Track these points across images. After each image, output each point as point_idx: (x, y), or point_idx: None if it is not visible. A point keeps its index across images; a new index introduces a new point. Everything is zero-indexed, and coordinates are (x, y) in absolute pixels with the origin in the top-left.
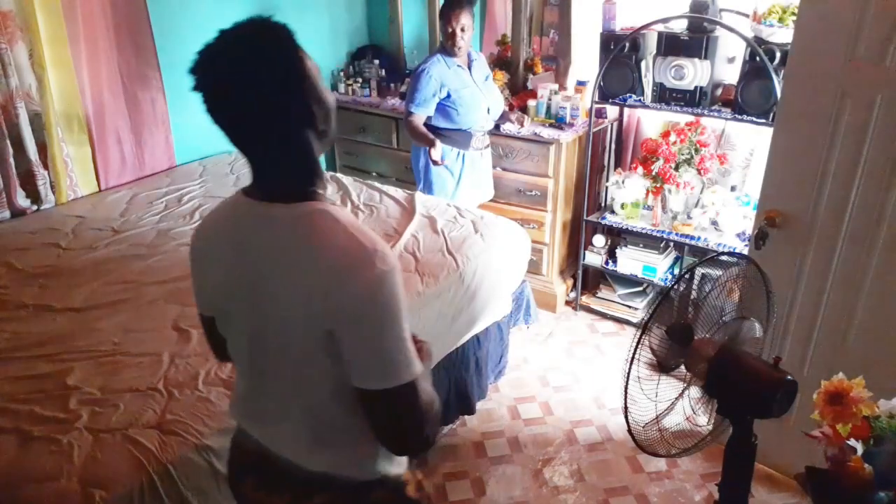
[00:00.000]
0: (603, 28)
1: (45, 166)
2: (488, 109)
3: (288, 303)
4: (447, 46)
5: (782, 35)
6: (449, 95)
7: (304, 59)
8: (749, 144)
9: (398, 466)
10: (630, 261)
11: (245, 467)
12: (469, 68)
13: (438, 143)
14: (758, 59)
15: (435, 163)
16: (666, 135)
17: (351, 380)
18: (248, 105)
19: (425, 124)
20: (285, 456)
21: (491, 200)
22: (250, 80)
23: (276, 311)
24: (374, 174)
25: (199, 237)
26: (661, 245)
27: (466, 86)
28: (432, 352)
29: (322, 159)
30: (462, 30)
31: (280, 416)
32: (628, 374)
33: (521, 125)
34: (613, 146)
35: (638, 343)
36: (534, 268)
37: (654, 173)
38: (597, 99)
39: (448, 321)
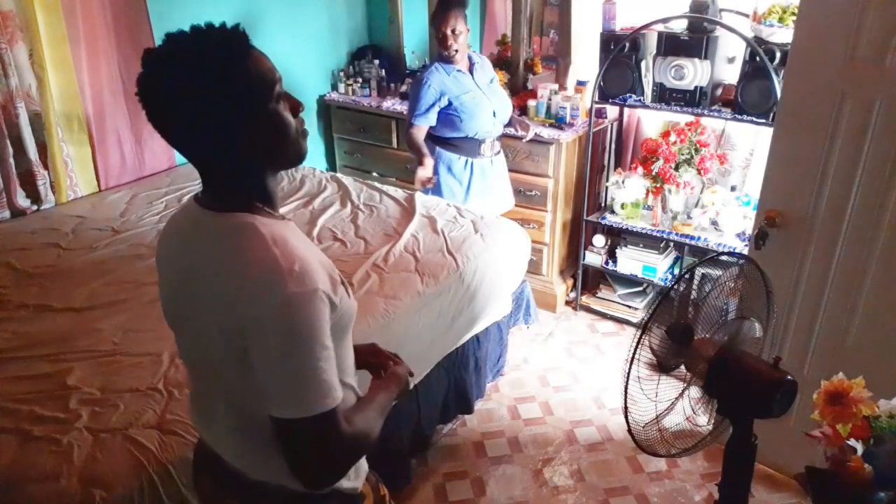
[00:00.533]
0: (603, 28)
1: (45, 166)
2: (494, 113)
3: (206, 313)
4: (441, 52)
5: (782, 35)
6: (450, 103)
7: (247, 72)
8: (749, 144)
9: (352, 480)
10: (630, 261)
11: (202, 465)
12: (471, 72)
13: (428, 162)
14: (758, 59)
15: (423, 183)
16: (666, 135)
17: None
18: (172, 114)
19: (433, 136)
20: (227, 460)
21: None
22: (176, 88)
23: (199, 320)
24: (374, 174)
25: (159, 243)
26: (661, 245)
27: (467, 91)
28: (410, 376)
29: (322, 160)
30: (454, 32)
31: (216, 423)
32: (628, 374)
33: (527, 132)
34: (613, 146)
35: (638, 343)
36: (534, 268)
37: (654, 173)
38: (597, 99)
39: (448, 321)
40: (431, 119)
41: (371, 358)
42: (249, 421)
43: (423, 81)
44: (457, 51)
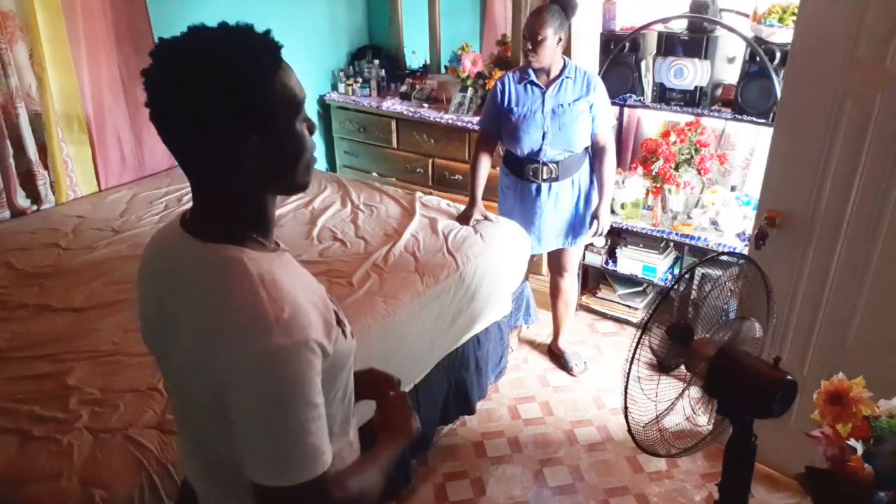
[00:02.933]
0: (603, 28)
1: (45, 166)
2: (543, 136)
3: (183, 353)
4: (523, 57)
5: (782, 35)
6: (507, 112)
7: (279, 85)
8: (749, 144)
9: None
10: (630, 261)
11: (186, 494)
12: (548, 87)
13: (475, 209)
14: (758, 59)
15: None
16: (666, 135)
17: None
18: (183, 119)
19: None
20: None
21: (489, 200)
22: (194, 91)
23: (176, 357)
24: (374, 174)
25: (141, 263)
26: (661, 245)
27: (525, 104)
28: (417, 426)
29: (322, 160)
30: (536, 39)
31: (192, 458)
32: (628, 374)
33: (597, 228)
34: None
35: (638, 343)
36: (534, 268)
37: (654, 173)
38: None
39: (448, 321)
40: (492, 125)
41: (371, 389)
42: (221, 467)
43: (494, 85)
44: (535, 59)
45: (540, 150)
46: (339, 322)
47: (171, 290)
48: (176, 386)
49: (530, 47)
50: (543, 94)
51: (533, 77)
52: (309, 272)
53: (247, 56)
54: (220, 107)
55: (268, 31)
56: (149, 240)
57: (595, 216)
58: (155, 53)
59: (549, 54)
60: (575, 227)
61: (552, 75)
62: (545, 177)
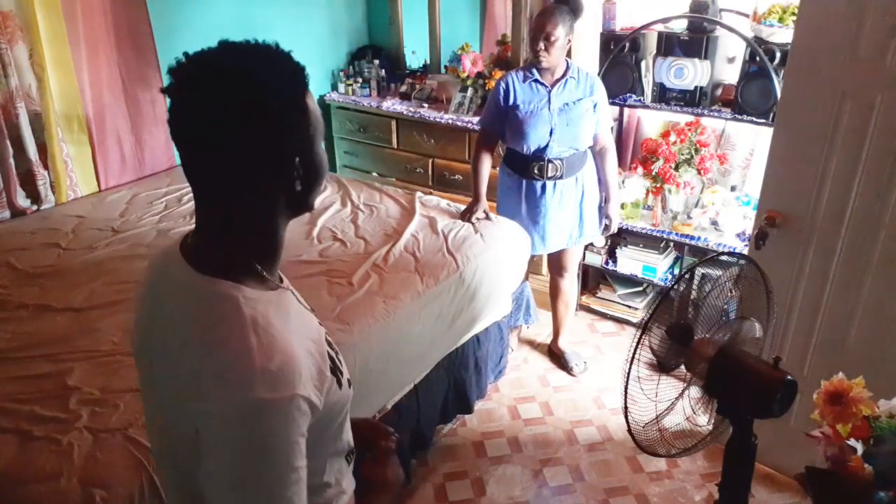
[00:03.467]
0: (603, 28)
1: (45, 166)
2: (551, 132)
3: (168, 382)
4: (530, 55)
5: (782, 35)
6: (513, 110)
7: (312, 106)
8: (749, 144)
9: None
10: (630, 261)
11: None
12: (553, 86)
13: (479, 205)
14: (758, 59)
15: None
16: (666, 135)
17: None
18: (204, 137)
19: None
20: None
21: (490, 199)
22: (224, 110)
23: (161, 383)
24: (374, 174)
25: (143, 278)
26: (661, 245)
27: (531, 101)
28: (400, 475)
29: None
30: (547, 38)
31: (174, 492)
32: (628, 374)
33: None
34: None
35: (638, 343)
36: (534, 268)
37: (654, 173)
38: None
39: (448, 321)
40: (494, 124)
41: (366, 433)
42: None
43: (497, 84)
44: (545, 58)
45: (546, 146)
46: (336, 369)
47: (161, 317)
48: (158, 412)
49: (543, 46)
50: (549, 92)
51: (537, 76)
52: (310, 313)
53: (281, 76)
54: (262, 125)
55: (290, 52)
56: (152, 258)
57: (606, 215)
58: (184, 67)
59: (560, 54)
60: (579, 226)
61: (556, 76)
62: (550, 174)
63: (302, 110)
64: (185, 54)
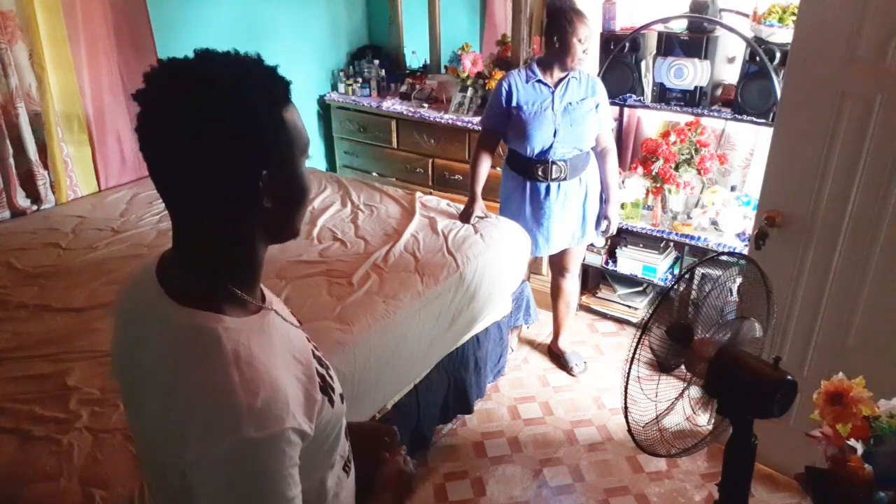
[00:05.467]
0: (603, 28)
1: (45, 166)
2: (555, 133)
3: (152, 413)
4: (565, 62)
5: (782, 35)
6: (516, 111)
7: (290, 122)
8: (749, 144)
9: None
10: (630, 261)
11: None
12: (556, 86)
13: (476, 205)
14: (758, 59)
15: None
16: (666, 135)
17: None
18: (167, 147)
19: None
20: None
21: (490, 199)
22: (201, 121)
23: (146, 411)
24: (374, 174)
25: (117, 297)
26: (661, 245)
27: (534, 102)
28: (407, 471)
29: (322, 160)
30: (580, 42)
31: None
32: (628, 374)
33: (608, 226)
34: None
35: (638, 343)
36: (534, 268)
37: (654, 173)
38: None
39: (448, 321)
40: (496, 125)
41: (368, 443)
42: None
43: (498, 84)
44: (582, 62)
45: (550, 147)
46: (327, 387)
47: (142, 341)
48: (141, 437)
49: (584, 50)
50: (552, 92)
51: (540, 76)
52: (297, 329)
53: (259, 86)
54: (227, 136)
55: (276, 66)
56: (125, 280)
57: (605, 216)
58: (158, 73)
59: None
60: (582, 226)
61: (559, 76)
62: (554, 176)
63: (275, 126)
64: (160, 61)
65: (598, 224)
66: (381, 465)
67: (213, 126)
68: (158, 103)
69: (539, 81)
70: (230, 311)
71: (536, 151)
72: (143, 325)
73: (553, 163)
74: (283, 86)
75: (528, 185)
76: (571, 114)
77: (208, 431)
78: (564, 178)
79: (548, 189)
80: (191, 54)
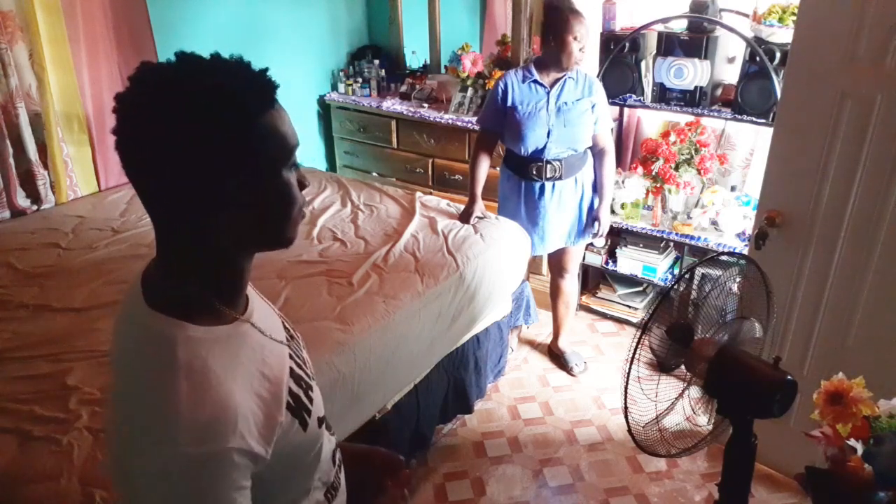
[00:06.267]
0: (603, 28)
1: (45, 166)
2: (549, 133)
3: (108, 423)
4: (562, 60)
5: (782, 35)
6: (512, 110)
7: (272, 127)
8: (749, 144)
9: None
10: (630, 261)
11: None
12: (550, 87)
13: (476, 206)
14: (758, 59)
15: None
16: (666, 135)
17: None
18: (151, 153)
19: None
20: None
21: (489, 199)
22: (177, 126)
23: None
24: (374, 174)
25: (122, 297)
26: (661, 245)
27: (530, 101)
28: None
29: (322, 160)
30: (576, 40)
31: None
32: (628, 374)
33: (598, 229)
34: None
35: (638, 343)
36: (534, 268)
37: (654, 173)
38: None
39: (448, 321)
40: (493, 125)
41: (373, 468)
42: None
43: (496, 84)
44: (580, 61)
45: (544, 147)
46: (300, 410)
47: (120, 356)
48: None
49: (581, 49)
50: (548, 92)
51: (536, 76)
52: (279, 345)
53: (237, 90)
54: (200, 141)
55: (265, 69)
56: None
57: (596, 218)
58: (135, 78)
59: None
60: (578, 226)
61: (556, 76)
62: (549, 175)
63: (249, 131)
64: (142, 63)
65: (590, 224)
66: (380, 494)
67: (179, 131)
68: (128, 106)
69: (535, 82)
70: (200, 319)
71: (530, 151)
72: (125, 328)
73: (547, 162)
74: (267, 89)
75: (523, 184)
76: (566, 114)
77: (146, 441)
78: (559, 178)
79: (542, 188)
80: (150, 63)
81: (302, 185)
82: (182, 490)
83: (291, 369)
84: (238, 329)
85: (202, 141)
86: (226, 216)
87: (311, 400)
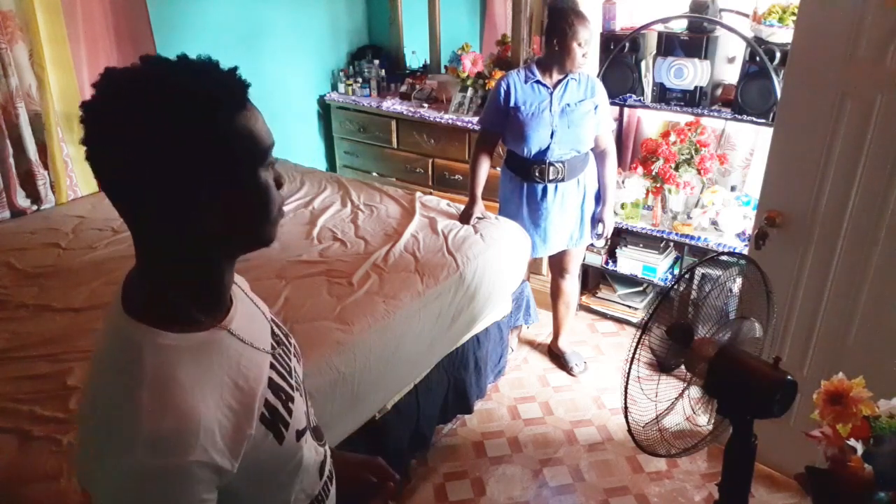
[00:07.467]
0: (603, 28)
1: (45, 166)
2: (552, 134)
3: (79, 424)
4: (565, 64)
5: (782, 35)
6: (514, 111)
7: (243, 127)
8: (749, 144)
9: None
10: (630, 261)
11: None
12: (555, 87)
13: (476, 207)
14: (758, 59)
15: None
16: (666, 135)
17: None
18: (120, 159)
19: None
20: None
21: (489, 199)
22: (146, 131)
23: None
24: (374, 174)
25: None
26: (661, 245)
27: (532, 102)
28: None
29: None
30: (580, 45)
31: None
32: (628, 374)
33: (602, 230)
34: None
35: (638, 343)
36: (534, 268)
37: (654, 173)
38: None
39: (448, 321)
40: (494, 125)
41: (358, 473)
42: None
43: (497, 84)
44: (583, 64)
45: (547, 149)
46: (276, 422)
47: (97, 350)
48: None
49: (584, 54)
50: (551, 93)
51: (539, 77)
52: (261, 353)
53: (206, 91)
54: (171, 144)
55: (234, 68)
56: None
57: (600, 219)
58: (100, 83)
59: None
60: (580, 228)
61: (557, 76)
62: (552, 177)
63: (216, 133)
64: (107, 68)
65: (593, 226)
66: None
67: (149, 135)
68: (96, 113)
69: (538, 82)
70: (175, 326)
71: (534, 152)
72: (105, 331)
73: (550, 164)
74: (237, 89)
75: (525, 186)
76: (569, 115)
77: (106, 449)
78: (562, 180)
79: (545, 190)
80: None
81: (279, 184)
82: (140, 501)
83: (271, 379)
84: (214, 336)
85: (173, 144)
86: (202, 220)
87: (289, 412)
